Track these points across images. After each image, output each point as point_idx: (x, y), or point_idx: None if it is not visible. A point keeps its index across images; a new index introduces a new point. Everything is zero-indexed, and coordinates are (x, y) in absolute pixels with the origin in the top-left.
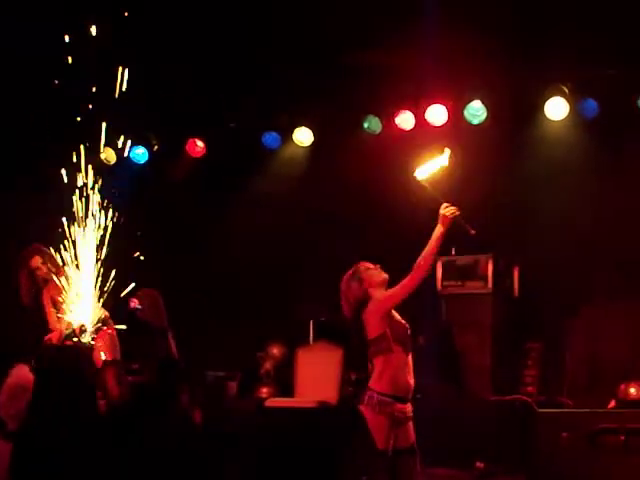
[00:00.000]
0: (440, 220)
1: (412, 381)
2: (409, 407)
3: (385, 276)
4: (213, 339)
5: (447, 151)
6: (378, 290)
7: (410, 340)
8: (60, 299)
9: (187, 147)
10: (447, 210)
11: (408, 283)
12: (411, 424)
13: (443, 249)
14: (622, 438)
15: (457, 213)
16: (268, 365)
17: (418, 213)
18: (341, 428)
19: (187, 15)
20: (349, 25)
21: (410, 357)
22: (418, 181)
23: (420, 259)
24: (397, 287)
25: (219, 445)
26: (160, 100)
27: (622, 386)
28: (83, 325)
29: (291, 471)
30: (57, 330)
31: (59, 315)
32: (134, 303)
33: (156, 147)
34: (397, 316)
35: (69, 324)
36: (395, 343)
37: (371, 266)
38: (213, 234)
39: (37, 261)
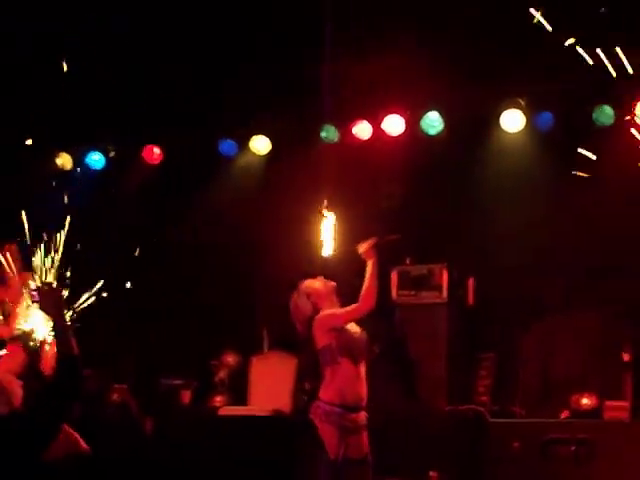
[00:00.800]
0: (365, 257)
1: (363, 390)
2: (361, 416)
3: (331, 284)
4: (167, 347)
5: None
6: (327, 301)
7: (362, 351)
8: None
9: (144, 153)
10: (362, 248)
11: (352, 313)
12: (365, 434)
13: (398, 259)
14: (573, 448)
15: (372, 242)
16: (222, 374)
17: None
18: (294, 437)
19: (147, 18)
20: (308, 35)
21: (362, 367)
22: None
23: (363, 292)
24: (342, 311)
25: (171, 453)
26: (117, 106)
27: (575, 397)
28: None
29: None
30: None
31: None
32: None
33: (112, 153)
34: (350, 327)
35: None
36: (341, 355)
37: (314, 280)
38: (169, 243)
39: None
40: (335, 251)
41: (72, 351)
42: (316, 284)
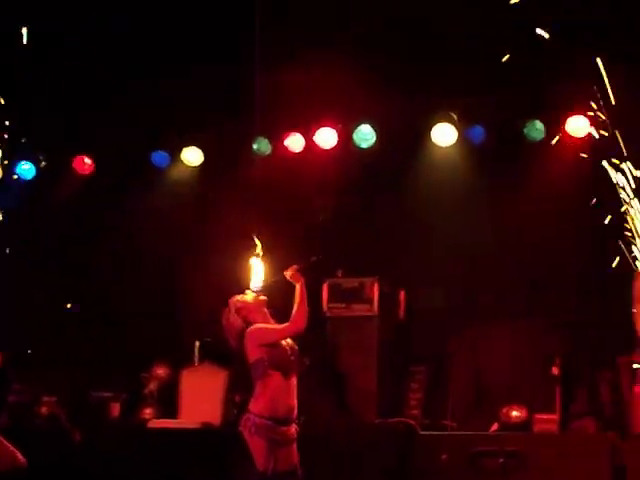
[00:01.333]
0: (292, 281)
1: (293, 403)
2: (291, 429)
3: (261, 298)
4: (98, 359)
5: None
6: (258, 314)
7: (293, 364)
8: None
9: (74, 164)
10: (287, 274)
11: (282, 332)
12: (294, 446)
13: (330, 272)
14: (500, 460)
15: (295, 267)
16: (152, 386)
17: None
18: (223, 450)
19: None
20: (242, 45)
21: (293, 380)
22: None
23: (293, 314)
24: (272, 329)
25: (100, 466)
26: (48, 116)
27: (504, 409)
28: None
29: None
30: None
31: None
32: None
33: (43, 163)
34: (281, 341)
35: None
36: (272, 368)
37: (244, 295)
38: (100, 252)
39: None
40: (265, 282)
41: None
42: (246, 298)
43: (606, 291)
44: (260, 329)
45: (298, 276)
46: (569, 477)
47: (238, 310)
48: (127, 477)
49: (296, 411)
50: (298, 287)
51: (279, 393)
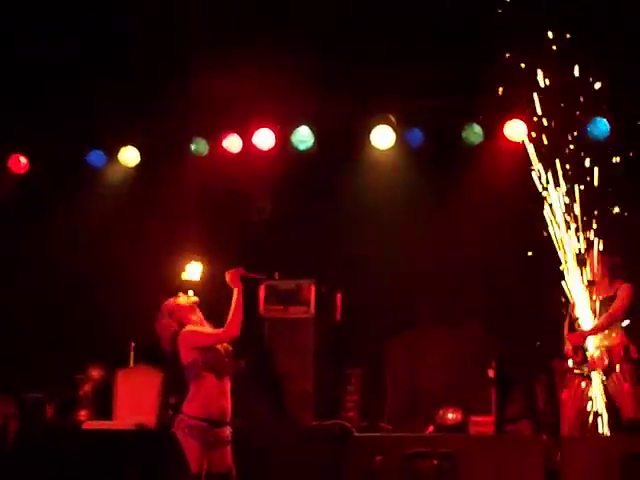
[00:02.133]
0: (231, 285)
1: (227, 405)
2: (226, 431)
3: (193, 299)
4: (32, 360)
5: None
6: (191, 315)
7: (228, 366)
8: None
9: (9, 163)
10: (228, 276)
11: (216, 337)
12: (229, 448)
13: (266, 274)
14: (435, 462)
15: (238, 272)
16: (87, 387)
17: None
18: (158, 451)
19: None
20: (178, 45)
21: (227, 382)
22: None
23: (228, 320)
24: (206, 334)
25: (33, 467)
26: None
27: (440, 411)
28: None
29: None
30: None
31: None
32: None
33: None
34: None
35: None
36: (206, 370)
37: (176, 297)
38: (33, 252)
39: None
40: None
41: None
42: (178, 300)
43: (542, 295)
44: (194, 332)
45: (237, 282)
46: (503, 478)
47: (171, 313)
48: (61, 478)
49: (230, 413)
50: (235, 292)
51: (213, 395)
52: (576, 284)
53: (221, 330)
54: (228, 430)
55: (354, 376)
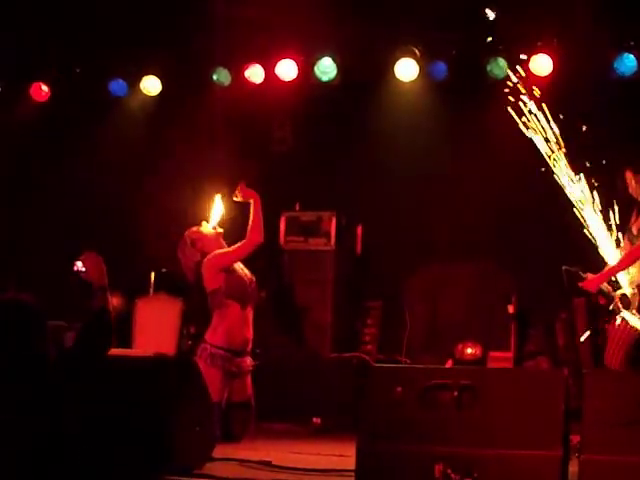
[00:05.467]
0: (245, 199)
1: (250, 335)
2: (247, 361)
3: (217, 230)
4: (53, 287)
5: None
6: (215, 246)
7: (251, 295)
8: None
9: (31, 91)
10: (237, 196)
11: (241, 249)
12: (249, 378)
13: (288, 205)
14: (455, 394)
15: (241, 186)
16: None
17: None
18: (177, 379)
19: None
20: None
21: (249, 311)
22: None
23: (249, 228)
24: (231, 249)
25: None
26: (3, 42)
27: (459, 346)
28: None
29: (125, 420)
30: None
31: None
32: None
33: None
34: (239, 271)
35: None
36: (230, 298)
37: (200, 226)
38: (56, 179)
39: None
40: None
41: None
42: (202, 229)
43: (562, 231)
44: (218, 254)
45: (248, 193)
46: (523, 411)
47: (194, 242)
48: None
49: (251, 343)
50: (252, 203)
51: (236, 324)
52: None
53: (243, 241)
54: (249, 359)
55: (373, 309)
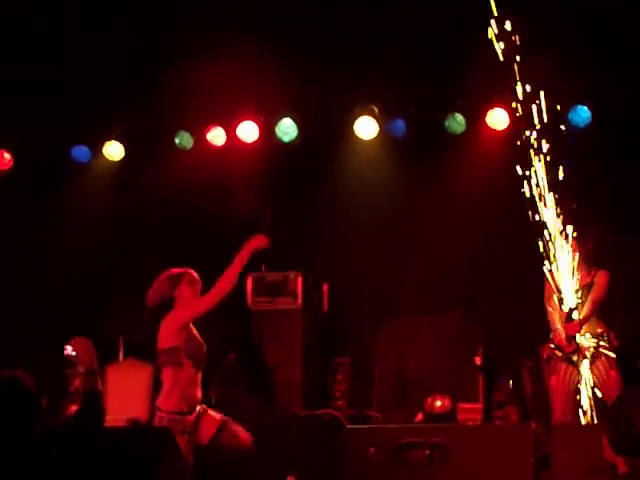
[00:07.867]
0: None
1: (199, 394)
2: (193, 416)
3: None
4: (21, 355)
5: None
6: (192, 286)
7: (204, 358)
8: None
9: None
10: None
11: (212, 295)
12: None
13: (254, 267)
14: (427, 452)
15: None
16: (77, 382)
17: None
18: (152, 446)
19: None
20: (161, 38)
21: (200, 374)
22: None
23: (226, 271)
24: (201, 298)
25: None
26: None
27: (429, 399)
28: None
29: None
30: None
31: None
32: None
33: None
34: (195, 332)
35: None
36: (187, 358)
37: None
38: (22, 246)
39: None
40: None
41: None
42: (186, 271)
43: (526, 280)
44: (184, 309)
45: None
46: (493, 467)
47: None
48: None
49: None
50: (240, 253)
51: (189, 385)
52: (563, 271)
53: (215, 286)
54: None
55: (342, 365)
